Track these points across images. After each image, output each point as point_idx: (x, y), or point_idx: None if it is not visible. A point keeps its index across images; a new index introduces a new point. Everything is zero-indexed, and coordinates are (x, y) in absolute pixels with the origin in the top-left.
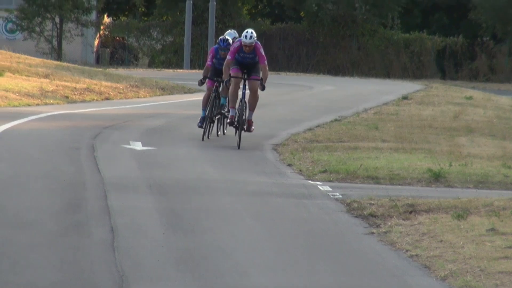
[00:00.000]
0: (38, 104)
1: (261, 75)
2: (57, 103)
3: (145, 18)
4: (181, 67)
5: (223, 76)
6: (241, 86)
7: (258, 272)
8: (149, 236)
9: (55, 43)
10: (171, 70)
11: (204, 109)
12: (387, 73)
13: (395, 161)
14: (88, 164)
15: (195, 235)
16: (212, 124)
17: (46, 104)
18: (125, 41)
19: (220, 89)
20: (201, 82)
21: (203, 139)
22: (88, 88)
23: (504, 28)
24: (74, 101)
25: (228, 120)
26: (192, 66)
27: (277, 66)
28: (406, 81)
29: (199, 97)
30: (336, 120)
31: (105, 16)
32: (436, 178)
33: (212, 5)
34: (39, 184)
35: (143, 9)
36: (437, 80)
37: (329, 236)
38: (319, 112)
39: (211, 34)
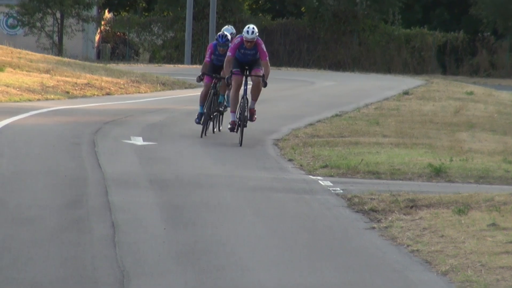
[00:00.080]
0: (39, 100)
1: (262, 71)
2: (58, 99)
3: (146, 14)
4: (182, 62)
5: (224, 72)
6: (243, 85)
7: (259, 267)
8: (150, 231)
9: (56, 38)
10: (172, 66)
11: (201, 105)
12: (388, 68)
13: (396, 156)
14: (89, 159)
15: (196, 230)
16: (210, 121)
17: (47, 99)
18: (126, 37)
19: (218, 86)
20: (200, 79)
21: (201, 136)
22: (89, 83)
23: (505, 23)
24: (75, 97)
25: (229, 126)
26: (193, 62)
27: (278, 61)
28: (407, 76)
29: (200, 92)
30: (337, 115)
31: (106, 11)
32: (437, 173)
33: (213, 0)
34: (40, 179)
35: (144, 5)
36: (438, 76)
37: (330, 231)
38: (320, 107)
39: (212, 30)
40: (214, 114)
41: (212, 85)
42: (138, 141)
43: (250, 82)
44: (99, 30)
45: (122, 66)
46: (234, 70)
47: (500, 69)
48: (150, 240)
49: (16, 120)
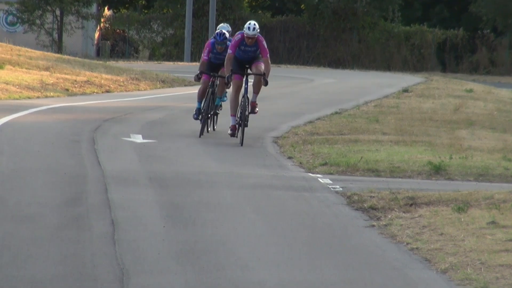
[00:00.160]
0: (38, 97)
1: (263, 66)
2: (58, 96)
3: (146, 11)
4: (181, 59)
5: (225, 71)
6: (243, 85)
7: (259, 265)
8: (150, 229)
9: (55, 35)
10: (171, 63)
11: (199, 101)
12: (387, 66)
13: (396, 153)
14: (88, 157)
15: (195, 228)
16: (208, 121)
17: (46, 97)
18: (126, 34)
19: (216, 83)
20: (198, 77)
21: (200, 136)
22: (88, 80)
23: (504, 21)
24: (75, 94)
25: (229, 132)
26: (193, 59)
27: (278, 58)
28: (406, 74)
29: (198, 89)
30: (336, 113)
31: (106, 8)
32: (437, 171)
33: None
34: (40, 177)
35: (143, 2)
36: (437, 73)
37: (330, 229)
38: (320, 105)
39: (211, 27)
40: (211, 114)
41: (210, 84)
42: (138, 138)
43: (250, 80)
44: (98, 28)
45: (121, 64)
46: (234, 74)
47: (499, 66)
48: (150, 238)
49: (15, 117)
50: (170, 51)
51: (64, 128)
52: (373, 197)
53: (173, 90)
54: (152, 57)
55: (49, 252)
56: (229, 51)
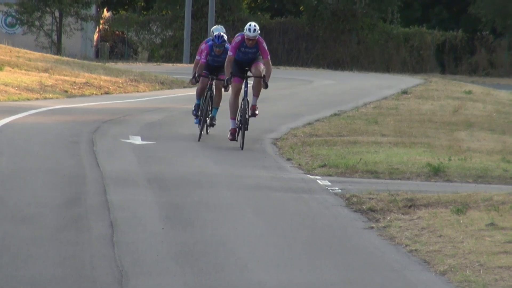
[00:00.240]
0: (37, 99)
1: (263, 66)
2: (57, 98)
3: (145, 12)
4: (180, 61)
5: (225, 73)
6: (243, 87)
7: (259, 266)
8: (149, 230)
9: (54, 37)
10: (170, 64)
11: (198, 98)
12: (386, 67)
13: (395, 155)
14: (87, 158)
15: (195, 229)
16: (206, 124)
17: (45, 98)
18: (125, 35)
19: (213, 89)
20: (195, 81)
21: (199, 140)
22: (87, 82)
23: (503, 22)
24: (74, 96)
25: (229, 136)
26: (192, 60)
27: (277, 60)
28: (405, 75)
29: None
30: (335, 114)
31: (105, 10)
32: (436, 172)
33: None
34: (39, 178)
35: (142, 3)
36: (436, 75)
37: (329, 231)
38: (319, 106)
39: (210, 28)
40: (208, 123)
41: (208, 87)
42: (137, 140)
43: (249, 82)
44: (97, 29)
45: (120, 65)
46: (234, 77)
47: (498, 68)
48: (149, 239)
49: (15, 119)
50: (169, 52)
51: (63, 129)
52: (372, 198)
53: (172, 91)
54: (151, 58)
55: (48, 253)
56: (229, 53)
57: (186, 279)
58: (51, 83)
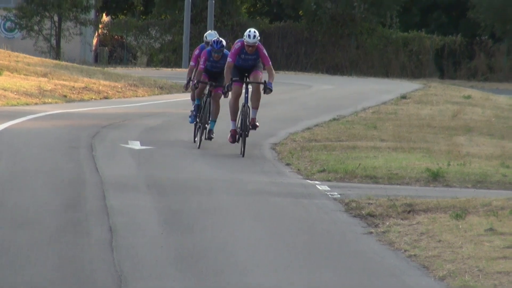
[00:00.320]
0: (36, 103)
1: (262, 75)
2: (56, 102)
3: (144, 17)
4: (179, 66)
5: (225, 79)
6: (243, 91)
7: (258, 271)
8: (148, 235)
9: (53, 42)
10: (169, 69)
11: (198, 98)
12: (385, 72)
13: (394, 160)
14: (86, 163)
15: (194, 234)
16: (205, 130)
17: (44, 103)
18: (124, 40)
19: (212, 94)
20: (195, 87)
21: (199, 147)
22: (86, 87)
23: (503, 27)
24: (73, 100)
25: (230, 138)
26: None
27: (276, 65)
28: (404, 80)
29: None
30: (334, 119)
31: (104, 14)
32: (435, 177)
33: (211, 3)
34: (38, 183)
35: (141, 8)
36: (435, 79)
37: (328, 236)
38: (318, 111)
39: None
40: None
41: (208, 93)
42: (136, 145)
43: (250, 87)
44: (96, 34)
45: (119, 70)
46: (233, 80)
47: (497, 72)
48: (148, 244)
49: (14, 124)
50: (168, 57)
51: (62, 134)
52: (371, 204)
53: (171, 96)
54: (150, 63)
55: (47, 257)
56: (229, 59)
57: (185, 284)
58: (50, 87)
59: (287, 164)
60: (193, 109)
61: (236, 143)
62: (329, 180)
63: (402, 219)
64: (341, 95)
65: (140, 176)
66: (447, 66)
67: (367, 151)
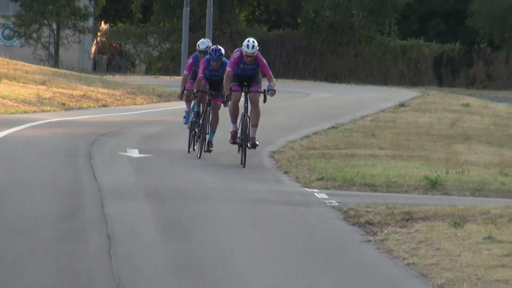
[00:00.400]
0: (35, 111)
1: (261, 90)
2: (54, 110)
3: (142, 25)
4: (178, 74)
5: (224, 89)
6: (242, 98)
7: (256, 280)
8: (146, 243)
9: (52, 49)
10: (168, 77)
11: (198, 105)
12: (384, 80)
13: (392, 168)
14: (85, 171)
15: (192, 242)
16: (204, 142)
17: (43, 111)
18: (122, 48)
19: (211, 104)
20: (194, 96)
21: (199, 157)
22: (85, 95)
23: (501, 35)
24: (71, 108)
25: (230, 139)
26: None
27: (274, 72)
28: (403, 88)
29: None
30: (333, 127)
31: (102, 22)
32: (433, 185)
33: (209, 11)
34: (36, 191)
35: (140, 16)
36: (434, 87)
37: (326, 244)
38: (316, 119)
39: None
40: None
41: (207, 103)
42: (134, 153)
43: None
44: (95, 41)
45: (118, 78)
46: (232, 84)
47: (496, 80)
48: (146, 252)
49: (12, 132)
50: (167, 65)
51: (61, 142)
52: (370, 212)
53: (169, 104)
54: (148, 71)
55: (45, 265)
56: (228, 68)
57: None
58: (48, 95)
59: (286, 172)
60: (186, 109)
61: (236, 144)
62: (327, 188)
63: (400, 227)
64: (340, 103)
65: (138, 184)
66: (445, 74)
67: (365, 159)
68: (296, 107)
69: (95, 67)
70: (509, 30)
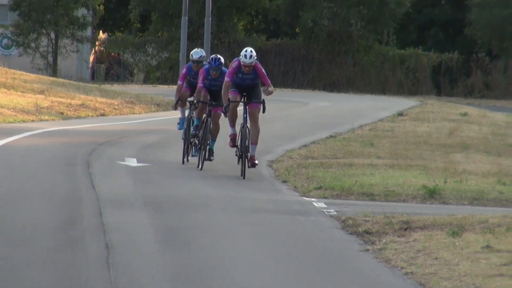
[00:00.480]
0: (33, 120)
1: (260, 106)
2: (52, 119)
3: (141, 34)
4: (176, 83)
5: (223, 100)
6: (242, 114)
7: None
8: (144, 252)
9: (50, 59)
10: (166, 86)
11: (198, 118)
12: (382, 89)
13: (390, 177)
14: (83, 180)
15: (190, 251)
16: (205, 151)
17: (41, 120)
18: (121, 57)
19: (212, 113)
20: (195, 107)
21: (200, 168)
22: (83, 104)
23: (500, 44)
24: (69, 117)
25: (230, 143)
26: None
27: (273, 82)
28: (401, 97)
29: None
30: (331, 136)
31: (101, 32)
32: (431, 194)
33: (208, 21)
34: (35, 200)
35: (138, 25)
36: (432, 97)
37: (325, 253)
38: (314, 128)
39: (206, 50)
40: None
41: (208, 113)
42: (133, 162)
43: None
44: (93, 51)
45: (116, 87)
46: (230, 90)
47: (494, 90)
48: (145, 261)
49: (11, 141)
50: (165, 74)
51: (59, 151)
52: (368, 221)
53: (168, 113)
54: (147, 80)
55: (43, 275)
56: (226, 79)
57: None
58: (46, 105)
59: (284, 181)
60: (180, 116)
61: (235, 147)
62: (325, 197)
63: (398, 236)
64: (338, 112)
65: (136, 193)
66: (444, 83)
67: (363, 168)
68: (294, 116)
69: (93, 76)
70: (507, 40)
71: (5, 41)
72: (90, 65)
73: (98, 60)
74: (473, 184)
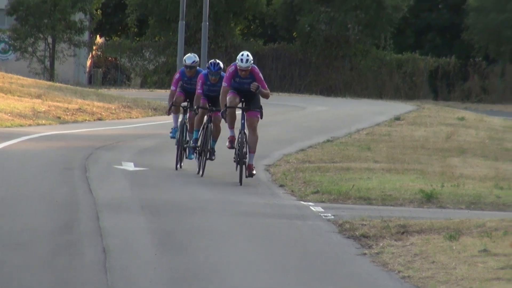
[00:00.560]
0: (30, 125)
1: (258, 115)
2: (49, 124)
3: (138, 39)
4: None
5: (221, 105)
6: (240, 119)
7: None
8: (141, 256)
9: (47, 63)
10: (163, 91)
11: (197, 129)
12: (379, 93)
13: (387, 182)
14: (80, 184)
15: (187, 255)
16: (205, 157)
17: (38, 124)
18: (118, 62)
19: (212, 118)
20: (195, 113)
21: (199, 173)
22: (80, 108)
23: (497, 49)
24: (66, 122)
25: (228, 144)
26: None
27: (270, 86)
28: (398, 101)
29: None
30: (328, 140)
31: (98, 36)
32: (428, 199)
33: (205, 25)
34: (32, 204)
35: (135, 30)
36: (429, 101)
37: (322, 257)
38: (312, 132)
39: (203, 55)
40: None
41: (208, 119)
42: (130, 166)
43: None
44: (90, 55)
45: (113, 91)
46: (229, 92)
47: (491, 94)
48: (142, 265)
49: (8, 145)
50: (162, 78)
51: (56, 155)
52: (365, 225)
53: (165, 117)
54: (144, 84)
55: (41, 279)
56: (224, 84)
57: None
58: (44, 109)
59: (281, 186)
60: (173, 125)
61: (233, 149)
62: (322, 202)
63: (395, 240)
64: (335, 117)
65: (133, 198)
66: (441, 87)
67: (360, 172)
68: (291, 120)
69: (91, 81)
70: (504, 44)
71: (2, 45)
72: (87, 69)
73: (95, 64)
74: (470, 188)
